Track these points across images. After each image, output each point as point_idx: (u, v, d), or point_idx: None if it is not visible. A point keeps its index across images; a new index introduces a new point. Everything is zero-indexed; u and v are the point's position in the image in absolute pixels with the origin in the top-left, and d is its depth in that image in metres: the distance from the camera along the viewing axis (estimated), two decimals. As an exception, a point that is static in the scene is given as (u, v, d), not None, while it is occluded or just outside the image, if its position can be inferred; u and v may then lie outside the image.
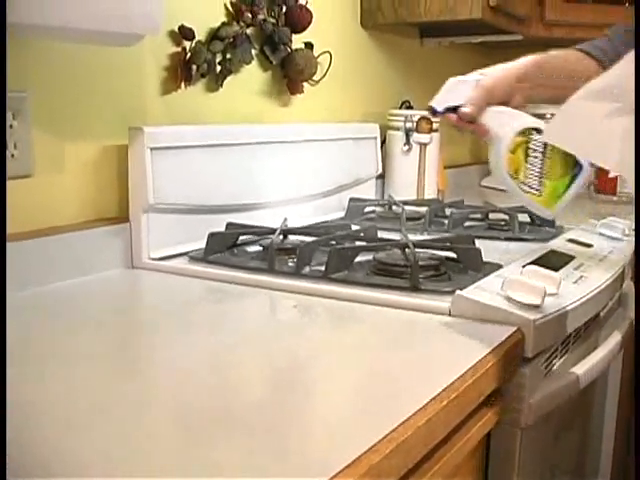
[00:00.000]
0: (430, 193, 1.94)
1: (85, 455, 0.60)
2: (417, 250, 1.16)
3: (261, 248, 1.26)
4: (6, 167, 1.00)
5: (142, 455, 0.60)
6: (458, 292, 0.99)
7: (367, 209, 1.73)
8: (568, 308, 1.01)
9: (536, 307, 0.95)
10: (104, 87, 1.23)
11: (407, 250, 1.16)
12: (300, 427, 0.66)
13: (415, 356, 0.84)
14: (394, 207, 1.72)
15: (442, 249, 1.21)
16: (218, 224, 1.33)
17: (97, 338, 0.92)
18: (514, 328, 0.93)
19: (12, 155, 1.09)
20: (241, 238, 1.31)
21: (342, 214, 1.69)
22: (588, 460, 1.41)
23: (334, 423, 0.67)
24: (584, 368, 1.10)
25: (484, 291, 1.01)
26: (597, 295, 1.10)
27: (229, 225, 1.33)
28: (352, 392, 0.76)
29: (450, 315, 0.99)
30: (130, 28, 0.98)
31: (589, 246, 1.37)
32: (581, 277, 1.13)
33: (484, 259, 1.17)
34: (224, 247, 1.27)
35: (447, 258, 1.18)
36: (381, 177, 1.95)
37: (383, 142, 1.94)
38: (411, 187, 1.92)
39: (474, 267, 1.15)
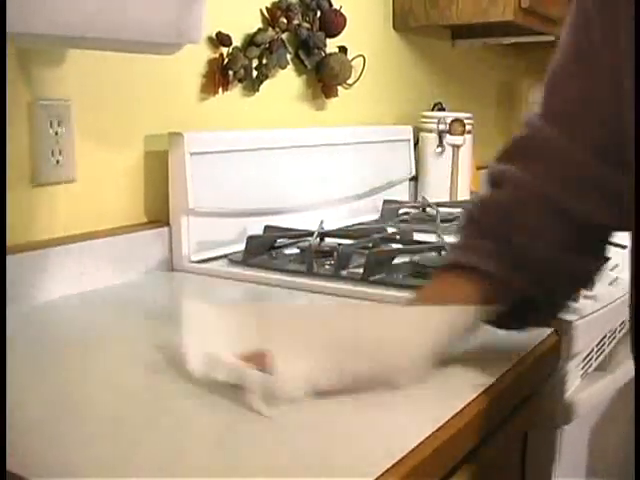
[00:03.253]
0: (463, 195, 1.94)
1: (137, 459, 0.62)
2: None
3: (299, 251, 1.28)
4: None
5: (189, 458, 0.62)
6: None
7: (401, 211, 1.74)
8: (604, 309, 1.02)
9: (573, 309, 0.96)
10: (144, 94, 1.26)
11: (443, 252, 1.17)
12: (345, 428, 0.68)
13: (453, 359, 0.85)
14: (428, 209, 1.73)
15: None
16: (256, 227, 1.35)
17: (138, 341, 0.94)
18: (551, 330, 0.94)
19: (57, 161, 1.12)
20: (279, 241, 1.33)
21: (376, 216, 1.70)
22: (626, 461, 1.41)
23: (378, 424, 0.69)
24: (621, 368, 1.11)
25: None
26: (633, 296, 1.11)
27: (267, 228, 1.35)
28: (394, 393, 0.77)
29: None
30: (172, 38, 1.01)
31: (624, 247, 1.37)
32: (616, 278, 1.14)
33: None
34: (263, 250, 1.29)
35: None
36: (414, 179, 1.96)
37: (416, 144, 1.95)
38: (444, 189, 1.93)
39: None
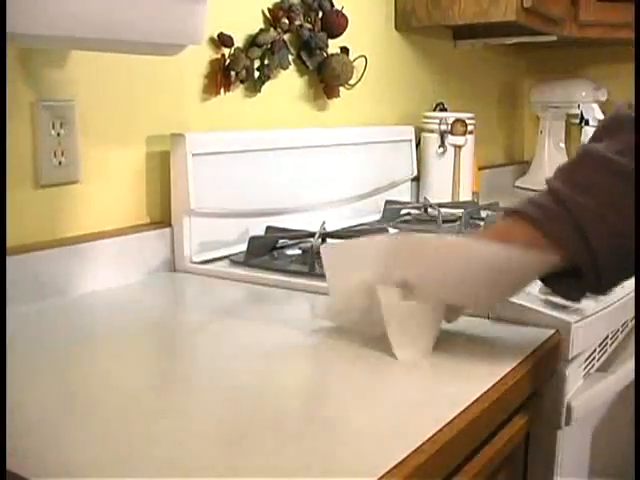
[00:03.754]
0: (465, 195, 1.94)
1: (137, 460, 0.62)
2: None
3: (300, 251, 1.28)
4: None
5: (191, 460, 0.62)
6: (497, 295, 1.00)
7: (403, 211, 1.74)
8: (606, 310, 1.02)
9: (575, 309, 0.96)
10: (147, 95, 1.26)
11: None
12: (348, 430, 0.68)
13: (455, 359, 0.85)
14: (430, 209, 1.73)
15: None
16: (257, 228, 1.35)
17: (140, 341, 0.94)
18: (553, 330, 0.94)
19: (59, 162, 1.12)
20: (280, 241, 1.33)
21: (378, 217, 1.70)
22: (627, 461, 1.41)
23: (381, 425, 0.69)
24: (622, 369, 1.11)
25: (522, 293, 1.02)
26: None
27: (269, 229, 1.35)
28: (397, 395, 0.77)
29: (489, 318, 1.00)
30: (175, 39, 1.01)
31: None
32: (619, 279, 1.14)
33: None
34: (264, 251, 1.29)
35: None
36: (416, 179, 1.96)
37: (418, 144, 1.95)
38: (446, 189, 1.93)
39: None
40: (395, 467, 0.60)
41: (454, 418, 0.69)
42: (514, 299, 0.98)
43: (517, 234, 0.83)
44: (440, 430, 0.66)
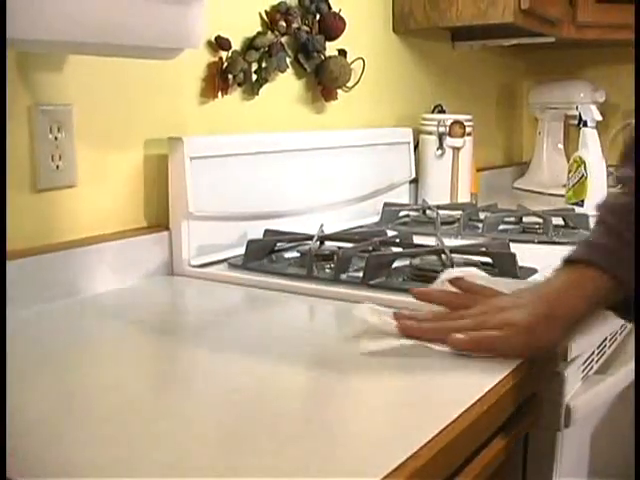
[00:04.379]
0: (463, 197, 1.95)
1: (137, 461, 0.62)
2: (453, 255, 1.17)
3: (299, 254, 1.28)
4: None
5: (190, 460, 0.62)
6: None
7: (401, 214, 1.74)
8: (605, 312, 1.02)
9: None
10: (144, 98, 1.26)
11: (443, 256, 1.18)
12: (347, 432, 0.68)
13: (454, 362, 0.85)
14: (428, 211, 1.73)
15: (477, 254, 1.23)
16: (255, 231, 1.35)
17: (139, 343, 0.94)
18: (551, 333, 0.94)
19: (57, 166, 1.12)
20: (279, 245, 1.33)
21: (376, 219, 1.70)
22: (628, 463, 1.41)
23: (381, 428, 0.69)
24: (621, 371, 1.11)
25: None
26: (633, 299, 1.11)
27: (267, 232, 1.35)
28: (396, 397, 0.77)
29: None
30: (172, 43, 1.01)
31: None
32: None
33: (519, 264, 1.18)
34: (262, 254, 1.29)
35: (482, 263, 1.19)
36: (414, 181, 1.96)
37: (416, 147, 1.95)
38: (444, 191, 1.93)
39: (509, 272, 1.16)
40: (396, 469, 0.60)
41: (453, 420, 0.69)
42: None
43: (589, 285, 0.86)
44: (439, 433, 0.66)
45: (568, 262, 0.89)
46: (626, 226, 0.85)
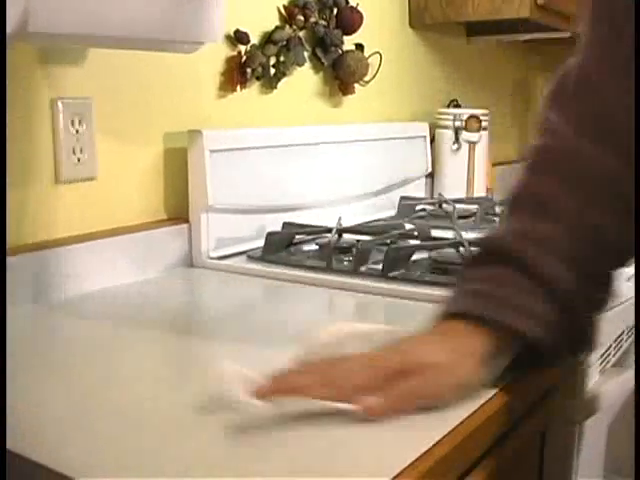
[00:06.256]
0: (479, 191, 1.95)
1: (135, 462, 0.63)
2: (471, 248, 1.18)
3: (317, 247, 1.29)
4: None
5: (193, 460, 0.63)
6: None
7: (417, 207, 1.75)
8: (622, 305, 1.02)
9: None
10: (164, 92, 1.27)
11: (462, 248, 1.18)
12: (358, 429, 0.66)
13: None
14: (444, 205, 1.73)
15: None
16: (274, 224, 1.36)
17: (159, 336, 0.95)
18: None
19: (78, 159, 1.13)
20: (297, 237, 1.34)
21: (393, 212, 1.71)
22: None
23: (392, 427, 0.67)
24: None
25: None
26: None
27: (285, 225, 1.36)
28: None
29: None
30: (192, 37, 1.02)
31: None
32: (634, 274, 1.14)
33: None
34: (281, 246, 1.30)
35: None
36: (430, 176, 1.97)
37: (432, 141, 1.95)
38: (460, 185, 1.93)
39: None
40: (409, 466, 0.59)
41: (470, 415, 0.69)
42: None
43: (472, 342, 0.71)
44: (455, 428, 0.66)
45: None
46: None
